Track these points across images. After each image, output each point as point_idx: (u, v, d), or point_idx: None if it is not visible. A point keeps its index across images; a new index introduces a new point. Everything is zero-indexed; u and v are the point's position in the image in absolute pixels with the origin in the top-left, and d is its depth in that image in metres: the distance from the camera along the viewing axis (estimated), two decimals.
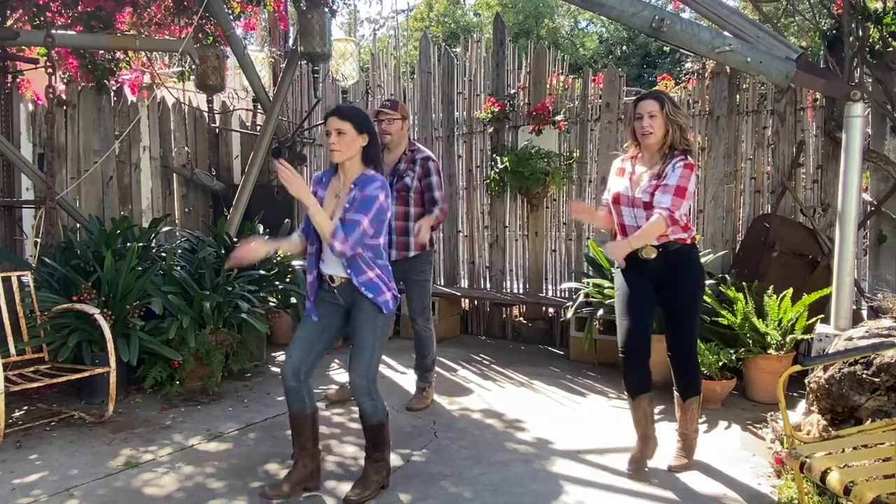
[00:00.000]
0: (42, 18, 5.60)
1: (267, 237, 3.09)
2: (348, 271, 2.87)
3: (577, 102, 5.90)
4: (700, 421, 3.97)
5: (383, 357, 4.38)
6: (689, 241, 3.21)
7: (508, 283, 6.33)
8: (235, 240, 5.32)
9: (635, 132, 3.21)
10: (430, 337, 4.28)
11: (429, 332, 4.27)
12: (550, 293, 6.13)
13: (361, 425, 3.09)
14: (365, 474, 3.07)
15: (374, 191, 2.78)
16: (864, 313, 4.59)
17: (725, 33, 3.55)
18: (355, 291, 2.90)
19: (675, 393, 3.41)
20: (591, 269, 5.27)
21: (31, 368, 4.08)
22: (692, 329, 3.29)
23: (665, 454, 3.51)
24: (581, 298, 5.13)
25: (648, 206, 3.14)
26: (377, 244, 2.91)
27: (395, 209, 3.95)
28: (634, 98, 3.37)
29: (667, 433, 3.83)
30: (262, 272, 5.12)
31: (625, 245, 3.13)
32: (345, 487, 3.14)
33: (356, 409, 4.22)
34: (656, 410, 4.19)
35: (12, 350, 4.05)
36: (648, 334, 3.27)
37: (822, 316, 3.92)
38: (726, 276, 4.82)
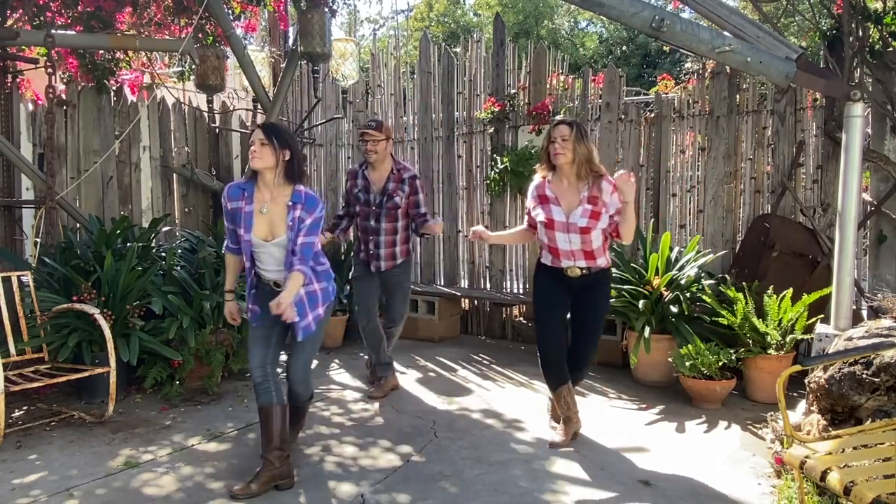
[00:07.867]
0: (42, 18, 5.59)
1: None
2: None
3: (577, 102, 5.90)
4: (700, 421, 4.03)
5: None
6: (608, 266, 3.62)
7: (508, 283, 6.33)
8: None
9: (549, 155, 3.49)
10: (395, 336, 4.70)
11: (398, 331, 4.70)
12: None
13: (290, 405, 3.30)
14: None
15: (320, 212, 3.16)
16: (864, 313, 4.58)
17: (725, 33, 3.55)
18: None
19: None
20: None
21: (31, 368, 4.08)
22: (597, 337, 3.78)
23: (662, 453, 3.53)
24: None
25: (586, 231, 3.43)
26: (319, 249, 3.28)
27: (385, 225, 4.29)
28: (552, 124, 3.59)
29: (668, 431, 3.85)
30: None
31: None
32: (345, 487, 3.15)
33: (356, 408, 4.27)
34: (656, 410, 4.22)
35: (12, 350, 4.05)
36: (565, 337, 3.70)
37: (822, 316, 3.92)
38: (726, 276, 4.82)
